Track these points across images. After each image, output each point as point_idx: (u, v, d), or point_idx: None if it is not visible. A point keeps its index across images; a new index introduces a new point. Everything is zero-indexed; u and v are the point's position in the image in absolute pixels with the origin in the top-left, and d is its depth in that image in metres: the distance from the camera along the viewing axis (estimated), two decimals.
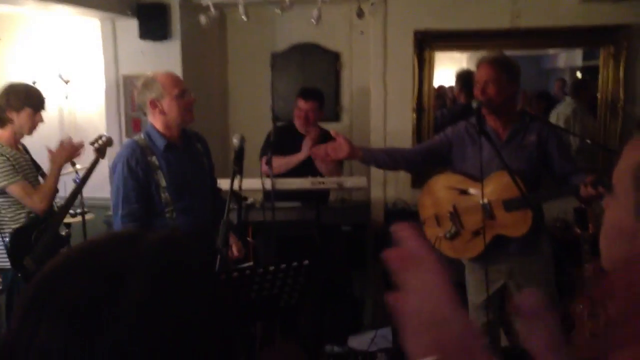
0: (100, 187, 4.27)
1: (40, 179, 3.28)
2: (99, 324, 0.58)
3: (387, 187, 4.42)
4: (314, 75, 4.77)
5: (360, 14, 4.28)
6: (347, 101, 4.86)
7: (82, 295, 0.60)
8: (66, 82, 5.08)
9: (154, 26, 4.32)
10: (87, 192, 3.58)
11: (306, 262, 2.16)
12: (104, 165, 3.49)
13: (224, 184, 2.89)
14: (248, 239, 3.41)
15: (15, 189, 3.06)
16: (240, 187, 2.42)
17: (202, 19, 4.23)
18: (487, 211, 2.74)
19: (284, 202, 3.44)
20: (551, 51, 4.64)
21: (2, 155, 3.06)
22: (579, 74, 4.56)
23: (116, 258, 0.64)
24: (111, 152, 3.36)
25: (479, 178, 2.70)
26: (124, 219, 2.55)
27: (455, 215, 2.86)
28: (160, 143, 2.63)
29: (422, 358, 0.64)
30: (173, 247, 0.69)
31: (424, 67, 4.30)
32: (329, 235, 3.57)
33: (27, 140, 3.33)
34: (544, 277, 2.80)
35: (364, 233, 4.05)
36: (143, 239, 0.67)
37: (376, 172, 4.27)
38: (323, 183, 3.39)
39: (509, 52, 3.91)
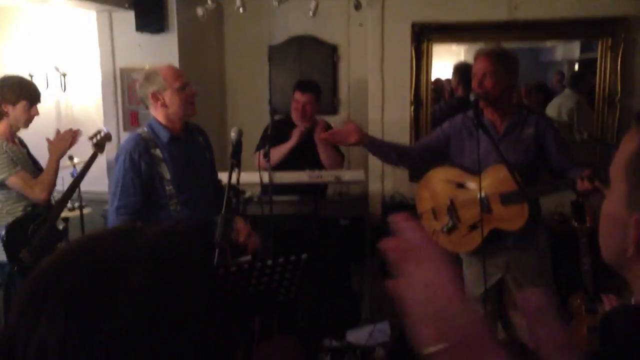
0: (98, 181, 4.26)
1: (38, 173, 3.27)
2: (97, 318, 0.58)
3: (385, 180, 4.42)
4: (312, 67, 4.76)
5: (357, 5, 4.27)
6: (345, 94, 4.85)
7: (81, 289, 0.60)
8: (63, 75, 5.07)
9: (150, 19, 4.30)
10: (85, 186, 3.58)
11: (304, 256, 2.16)
12: (102, 160, 3.49)
13: (222, 177, 2.89)
14: None
15: (15, 180, 3.05)
16: (238, 180, 2.42)
17: (199, 11, 4.21)
18: (484, 205, 2.74)
19: (281, 195, 3.44)
20: (549, 43, 4.63)
21: None
22: (576, 67, 4.55)
23: (115, 252, 0.64)
24: (110, 147, 3.35)
25: (476, 171, 2.70)
26: (119, 210, 2.54)
27: (452, 209, 2.86)
28: (164, 135, 2.64)
29: (430, 346, 0.64)
30: (171, 241, 0.69)
31: (421, 60, 4.29)
32: (326, 228, 3.56)
33: (24, 134, 3.32)
34: (541, 271, 2.81)
35: (362, 226, 4.05)
36: (141, 234, 0.67)
37: (374, 166, 4.27)
38: (321, 177, 3.38)
39: (506, 45, 3.90)
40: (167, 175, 2.60)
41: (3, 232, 3.02)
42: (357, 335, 3.44)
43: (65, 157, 3.38)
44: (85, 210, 4.20)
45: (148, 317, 0.59)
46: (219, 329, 0.68)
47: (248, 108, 4.90)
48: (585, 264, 2.51)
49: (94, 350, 0.57)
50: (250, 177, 3.04)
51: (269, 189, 3.07)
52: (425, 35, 4.25)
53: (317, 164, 3.56)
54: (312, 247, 3.02)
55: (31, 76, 4.55)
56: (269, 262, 2.12)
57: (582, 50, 4.49)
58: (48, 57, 5.06)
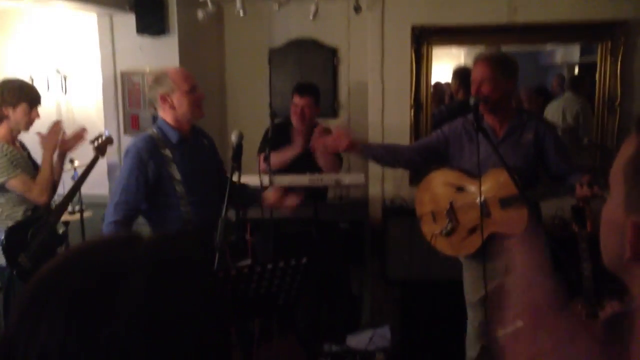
0: (99, 185, 4.26)
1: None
2: (97, 322, 0.59)
3: (385, 184, 4.42)
4: (312, 70, 4.76)
5: (357, 8, 4.28)
6: (345, 97, 4.85)
7: (81, 294, 0.61)
8: (64, 78, 5.08)
9: (151, 21, 4.30)
10: (86, 189, 3.57)
11: (304, 259, 2.16)
12: (103, 163, 3.48)
13: None
14: (246, 236, 3.41)
15: (15, 183, 3.04)
16: (238, 183, 2.42)
17: (200, 14, 4.22)
18: (483, 209, 2.74)
19: None
20: (549, 47, 4.63)
21: None
22: (576, 70, 4.55)
23: (113, 258, 0.65)
24: (111, 151, 3.35)
25: (475, 175, 2.70)
26: (118, 206, 2.54)
27: (451, 212, 2.86)
28: (174, 136, 2.66)
29: None
30: (168, 247, 0.70)
31: (421, 63, 4.29)
32: (327, 232, 3.56)
33: (25, 138, 3.32)
34: None
35: (362, 230, 4.05)
36: (139, 240, 0.68)
37: (374, 169, 4.27)
38: (321, 180, 3.38)
39: (506, 48, 3.91)
40: (178, 176, 2.62)
41: (2, 236, 3.02)
42: (358, 340, 3.43)
43: (66, 161, 3.37)
44: (86, 214, 4.20)
45: (147, 321, 0.60)
46: (218, 331, 0.68)
47: (248, 111, 4.90)
48: (586, 269, 2.50)
49: (94, 354, 0.58)
50: (250, 180, 3.04)
51: None
52: (425, 38, 4.26)
53: (317, 168, 3.56)
54: (312, 250, 3.01)
55: (32, 79, 4.56)
56: (269, 265, 2.13)
57: (582, 54, 4.49)
58: (49, 60, 5.07)
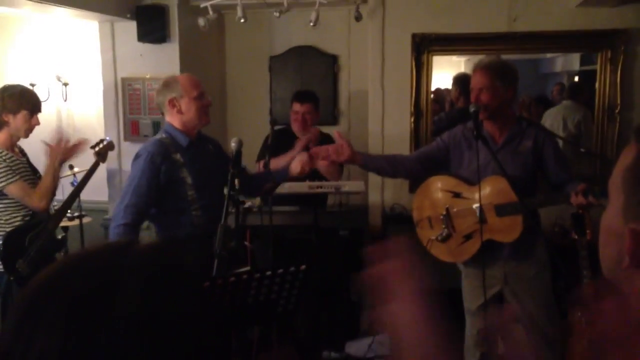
0: (99, 191, 4.26)
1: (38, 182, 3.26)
2: (95, 328, 0.60)
3: (384, 191, 4.42)
4: (312, 78, 4.77)
5: (358, 16, 4.30)
6: (345, 104, 4.86)
7: (79, 300, 0.61)
8: (65, 85, 5.08)
9: (152, 29, 4.32)
10: (85, 195, 3.57)
11: (304, 266, 2.16)
12: (103, 169, 3.48)
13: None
14: (246, 243, 3.40)
15: (14, 189, 3.04)
16: (238, 190, 2.42)
17: (201, 21, 4.23)
18: (482, 215, 2.73)
19: (281, 206, 3.44)
20: (549, 55, 4.65)
21: None
22: (576, 79, 4.56)
23: (110, 265, 0.66)
24: (111, 156, 3.35)
25: (473, 182, 2.70)
26: (127, 208, 2.54)
27: (447, 218, 2.86)
28: (183, 140, 2.69)
29: None
30: (163, 254, 0.71)
31: (421, 71, 4.31)
32: (326, 239, 3.56)
33: (25, 144, 3.32)
34: (540, 283, 2.79)
35: (361, 237, 4.03)
36: (134, 248, 0.69)
37: (374, 177, 4.27)
38: (321, 187, 3.38)
39: (506, 56, 3.92)
40: (189, 180, 2.63)
41: (0, 242, 3.01)
42: (357, 347, 3.43)
43: (66, 166, 3.36)
44: (85, 220, 4.20)
45: (143, 326, 0.61)
46: (214, 337, 0.69)
47: (248, 118, 4.91)
48: (586, 277, 2.49)
49: (92, 359, 0.58)
50: None
51: (269, 199, 3.07)
52: (426, 47, 4.27)
53: (317, 175, 3.56)
54: (312, 257, 3.01)
55: (33, 85, 4.56)
56: (268, 272, 2.12)
57: (582, 62, 4.50)
58: (50, 67, 5.09)
